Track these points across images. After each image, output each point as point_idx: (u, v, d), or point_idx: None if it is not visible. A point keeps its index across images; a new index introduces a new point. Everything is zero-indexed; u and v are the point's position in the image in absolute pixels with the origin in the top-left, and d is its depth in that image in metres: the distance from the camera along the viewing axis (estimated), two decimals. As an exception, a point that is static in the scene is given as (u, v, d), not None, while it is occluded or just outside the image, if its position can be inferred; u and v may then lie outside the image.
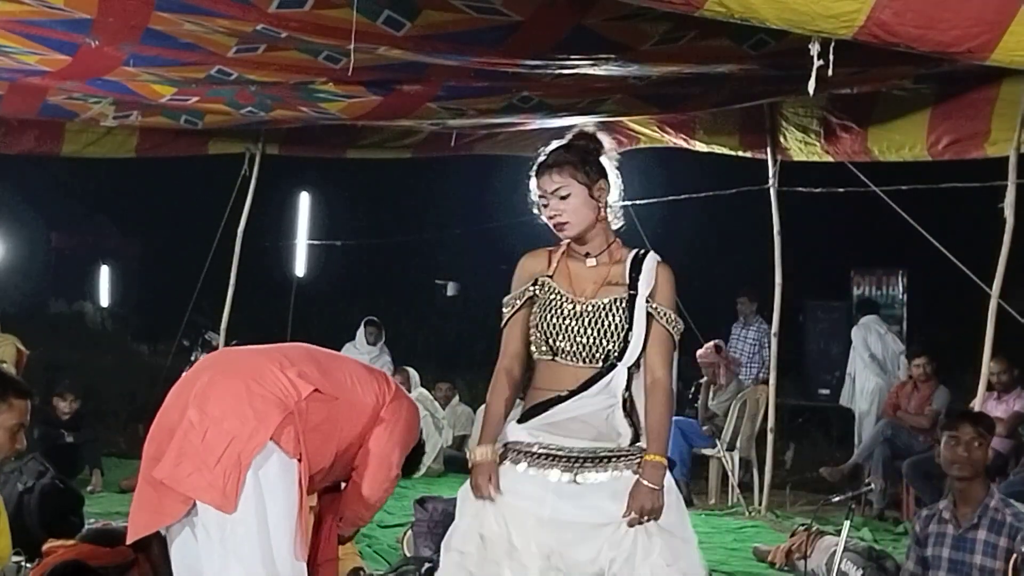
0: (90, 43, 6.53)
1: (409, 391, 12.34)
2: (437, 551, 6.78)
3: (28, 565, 6.03)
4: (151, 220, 21.53)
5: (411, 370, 13.00)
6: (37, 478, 7.11)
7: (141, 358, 17.54)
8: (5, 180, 17.88)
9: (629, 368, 3.91)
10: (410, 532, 7.49)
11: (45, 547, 6.08)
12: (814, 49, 4.60)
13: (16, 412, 4.37)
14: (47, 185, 19.61)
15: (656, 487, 3.79)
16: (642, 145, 10.55)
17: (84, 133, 9.81)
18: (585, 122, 9.90)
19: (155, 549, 6.08)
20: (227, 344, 11.19)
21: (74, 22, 6.18)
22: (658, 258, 4.04)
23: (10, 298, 14.64)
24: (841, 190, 9.26)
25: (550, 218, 4.12)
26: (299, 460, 4.00)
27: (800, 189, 9.68)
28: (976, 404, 7.48)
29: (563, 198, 4.06)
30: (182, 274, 12.89)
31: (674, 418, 10.99)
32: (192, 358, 14.29)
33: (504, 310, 4.17)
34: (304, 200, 13.28)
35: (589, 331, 3.92)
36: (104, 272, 25.38)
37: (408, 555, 7.25)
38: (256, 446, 3.89)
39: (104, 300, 25.09)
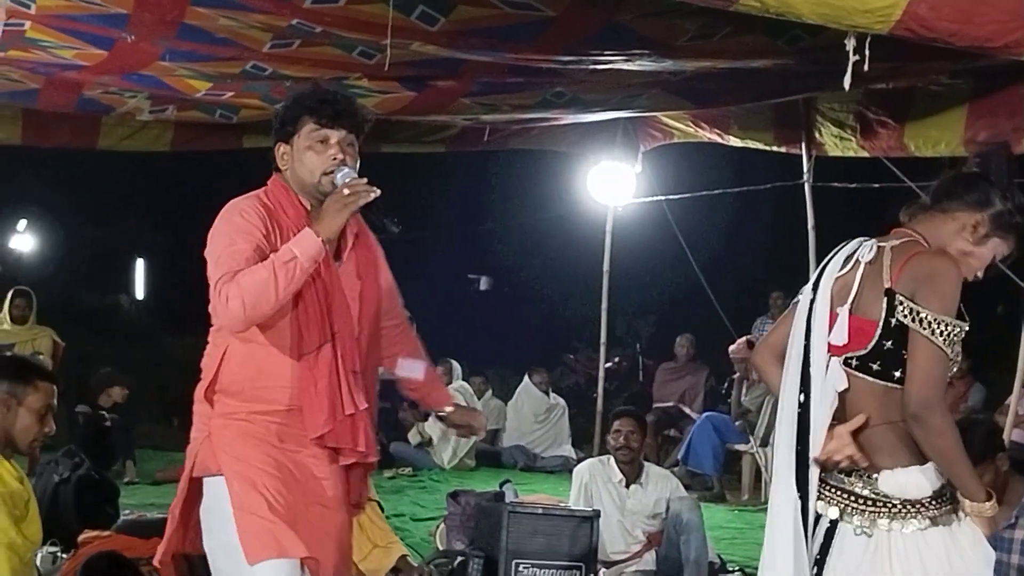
0: (126, 38, 6.56)
1: (450, 383, 12.38)
2: (470, 544, 6.84)
3: (64, 555, 6.07)
4: (186, 214, 21.57)
5: (453, 362, 13.00)
6: (73, 469, 7.17)
7: (175, 351, 17.61)
8: (42, 173, 17.99)
9: None
10: (443, 525, 7.51)
11: (81, 538, 6.13)
12: (850, 44, 4.58)
13: (42, 394, 4.42)
14: (83, 179, 19.70)
15: None
16: (676, 140, 10.54)
17: (120, 127, 9.85)
18: (618, 117, 9.93)
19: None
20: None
21: (111, 17, 6.22)
22: None
23: (46, 291, 14.72)
24: (876, 185, 9.22)
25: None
26: (216, 474, 3.70)
27: (835, 184, 9.64)
28: (1012, 401, 7.45)
29: None
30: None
31: (707, 414, 11.12)
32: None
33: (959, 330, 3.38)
34: (338, 194, 13.28)
35: None
36: (139, 265, 25.52)
37: (441, 548, 7.28)
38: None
39: (139, 293, 25.23)
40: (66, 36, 6.67)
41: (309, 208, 3.77)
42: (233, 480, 3.66)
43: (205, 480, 3.73)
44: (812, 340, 3.50)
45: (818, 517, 3.48)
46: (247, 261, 3.58)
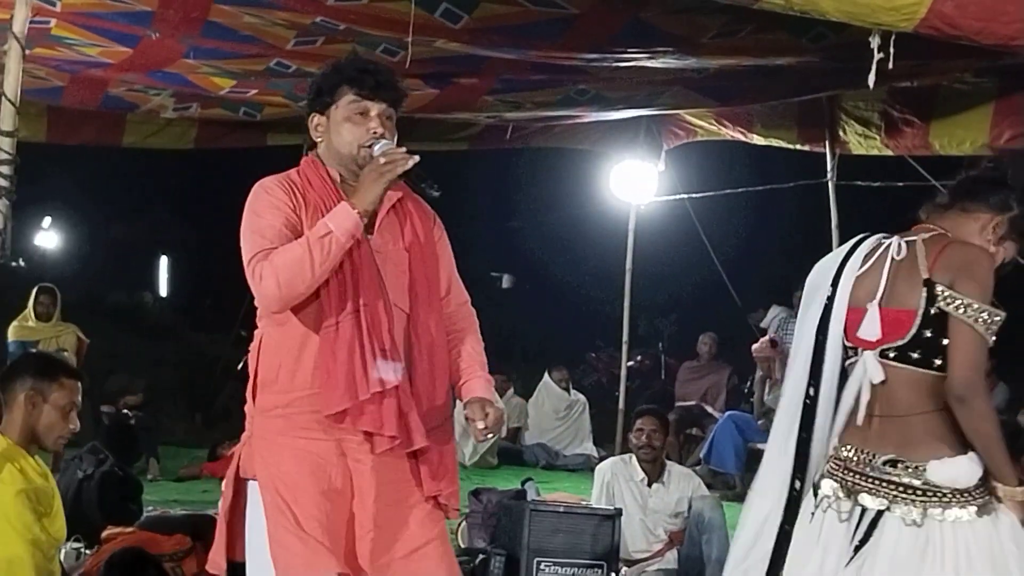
0: (151, 35, 6.58)
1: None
2: (491, 542, 6.84)
3: (87, 551, 6.11)
4: (209, 211, 21.70)
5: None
6: (96, 466, 7.21)
7: (199, 348, 17.70)
8: (67, 171, 18.08)
9: None
10: (464, 523, 7.51)
11: (104, 534, 6.16)
12: (874, 42, 4.56)
13: (67, 391, 4.43)
14: (107, 176, 19.80)
15: None
16: (699, 138, 10.51)
17: (144, 124, 9.88)
18: (641, 115, 9.91)
19: (212, 537, 6.15)
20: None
21: (135, 14, 6.24)
22: None
23: (71, 288, 14.81)
24: (900, 184, 9.19)
25: None
26: (253, 478, 3.63)
27: (859, 183, 9.61)
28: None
29: None
30: (240, 265, 13.00)
31: (730, 412, 11.10)
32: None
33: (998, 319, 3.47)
34: (360, 192, 13.32)
35: None
36: (163, 263, 25.65)
37: (462, 546, 7.28)
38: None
39: (163, 290, 25.36)
40: (91, 34, 6.69)
41: (338, 180, 3.66)
42: (267, 488, 3.57)
43: (249, 483, 3.65)
44: (829, 335, 3.56)
45: (863, 510, 3.49)
46: (278, 235, 3.50)
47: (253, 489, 3.64)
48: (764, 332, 12.29)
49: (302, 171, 3.70)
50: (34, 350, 9.60)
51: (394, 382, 3.53)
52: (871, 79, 4.68)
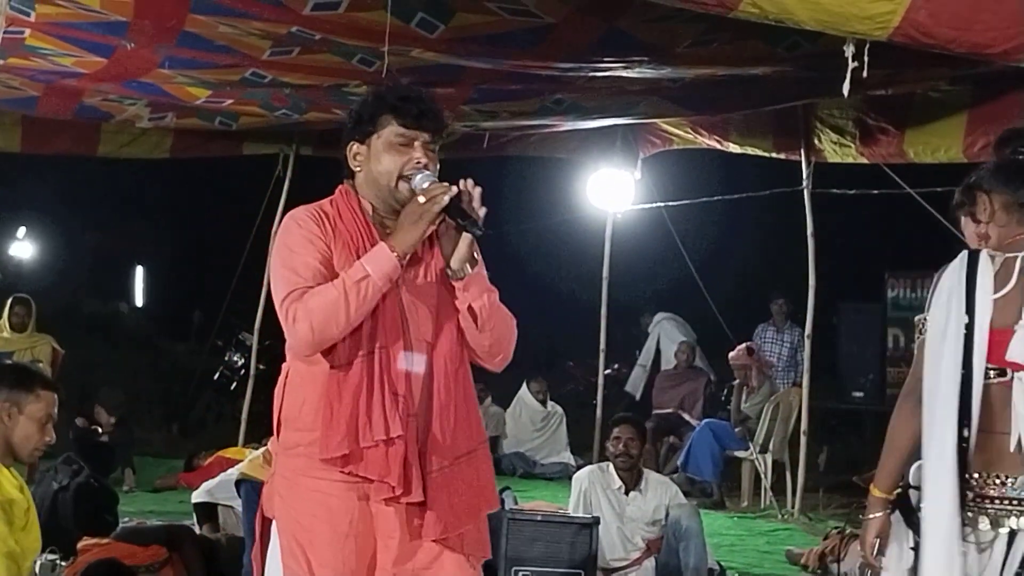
0: (126, 45, 6.57)
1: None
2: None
3: (63, 563, 6.06)
4: (186, 221, 21.66)
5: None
6: (72, 477, 7.16)
7: (175, 358, 17.62)
8: (42, 181, 17.98)
9: None
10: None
11: (80, 545, 6.13)
12: (849, 51, 4.59)
13: (44, 403, 4.40)
14: (82, 186, 19.70)
15: None
16: (675, 146, 10.55)
17: (120, 134, 9.86)
18: (617, 124, 9.93)
19: (188, 548, 6.13)
20: (260, 345, 11.20)
21: (110, 24, 6.22)
22: None
23: (46, 298, 14.72)
24: (876, 192, 9.23)
25: None
26: (272, 519, 3.56)
27: (834, 191, 9.65)
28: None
29: None
30: (216, 275, 12.97)
31: (707, 420, 11.09)
32: (226, 358, 14.38)
33: None
34: (338, 201, 13.32)
35: None
36: (139, 272, 25.52)
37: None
38: None
39: (139, 300, 25.24)
40: (65, 44, 6.68)
41: (370, 212, 3.53)
42: (284, 531, 3.50)
43: (272, 523, 3.58)
44: (974, 369, 3.22)
45: (1012, 533, 3.23)
46: (313, 273, 3.38)
47: (273, 530, 3.57)
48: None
49: (334, 201, 3.58)
50: (9, 361, 9.55)
51: (398, 430, 3.38)
52: (846, 88, 4.70)
